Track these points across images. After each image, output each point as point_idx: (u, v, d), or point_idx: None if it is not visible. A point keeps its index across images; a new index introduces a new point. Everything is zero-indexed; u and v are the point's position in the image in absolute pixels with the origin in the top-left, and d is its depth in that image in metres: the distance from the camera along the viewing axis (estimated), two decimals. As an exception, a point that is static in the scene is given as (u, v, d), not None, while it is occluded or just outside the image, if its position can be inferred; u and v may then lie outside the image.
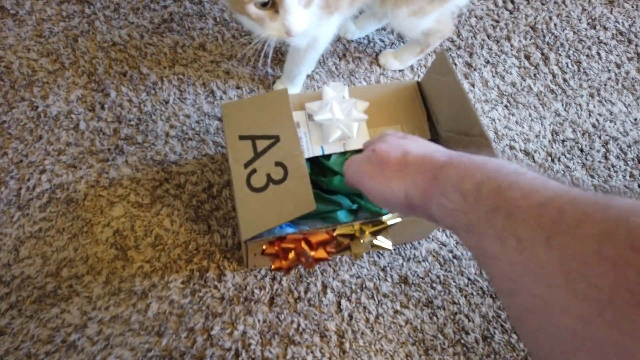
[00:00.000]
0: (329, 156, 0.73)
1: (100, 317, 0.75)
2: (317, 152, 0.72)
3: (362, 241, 0.59)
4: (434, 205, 0.38)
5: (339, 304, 0.80)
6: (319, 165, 0.74)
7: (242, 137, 0.68)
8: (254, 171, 0.66)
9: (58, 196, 0.81)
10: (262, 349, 0.76)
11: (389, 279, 0.83)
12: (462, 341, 0.80)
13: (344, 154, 0.73)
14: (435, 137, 0.75)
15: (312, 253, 0.57)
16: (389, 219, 0.61)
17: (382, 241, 0.61)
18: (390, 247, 0.63)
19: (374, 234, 0.60)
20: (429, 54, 1.04)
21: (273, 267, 0.60)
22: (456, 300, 0.83)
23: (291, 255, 0.57)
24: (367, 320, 0.80)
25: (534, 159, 0.97)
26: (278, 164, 0.65)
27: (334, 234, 0.59)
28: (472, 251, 0.35)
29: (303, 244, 0.56)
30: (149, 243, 0.80)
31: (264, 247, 0.59)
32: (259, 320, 0.77)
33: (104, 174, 0.84)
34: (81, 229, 0.80)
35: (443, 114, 0.73)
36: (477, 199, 0.33)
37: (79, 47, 0.94)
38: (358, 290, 0.82)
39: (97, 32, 0.96)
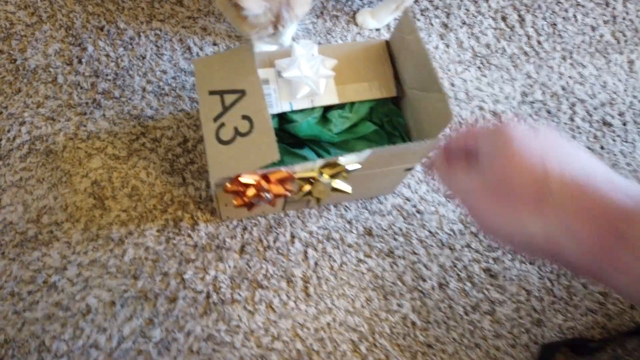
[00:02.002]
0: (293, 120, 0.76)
1: (79, 260, 0.79)
2: (286, 108, 0.75)
3: (321, 182, 0.63)
4: (618, 272, 0.27)
5: (305, 252, 0.85)
6: (287, 121, 0.77)
7: (211, 92, 0.71)
8: (222, 125, 0.69)
9: (37, 147, 0.85)
10: (231, 292, 0.81)
11: (354, 231, 0.88)
12: (420, 288, 0.86)
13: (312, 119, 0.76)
14: (400, 95, 0.78)
15: (271, 188, 0.61)
16: (347, 163, 0.65)
17: (341, 185, 0.66)
18: (349, 191, 0.67)
19: (333, 177, 0.64)
20: (405, 14, 1.05)
21: (236, 204, 0.64)
22: (416, 251, 0.88)
23: (250, 191, 0.61)
24: (332, 267, 0.85)
25: (501, 120, 1.00)
26: (244, 117, 0.68)
27: (294, 176, 0.63)
28: None
29: (262, 181, 0.60)
30: (126, 193, 0.84)
31: (227, 184, 0.63)
32: (229, 266, 0.82)
33: (82, 127, 0.87)
34: (60, 179, 0.83)
35: (407, 71, 0.75)
36: None
37: (56, 0, 0.95)
38: (324, 241, 0.87)
39: (74, -15, 0.97)
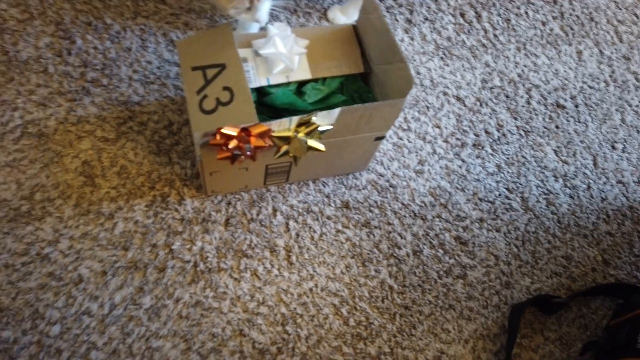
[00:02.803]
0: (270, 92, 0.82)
1: (71, 234, 0.83)
2: (263, 83, 0.82)
3: (297, 139, 0.69)
4: None
5: (287, 224, 0.90)
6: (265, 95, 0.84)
7: (194, 68, 0.77)
8: (205, 97, 0.75)
9: (30, 131, 0.89)
10: (218, 261, 0.85)
11: (332, 204, 0.94)
12: (395, 255, 0.91)
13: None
14: (368, 71, 0.86)
15: (251, 140, 0.67)
16: (320, 122, 0.71)
17: (315, 144, 0.72)
18: (323, 149, 0.74)
19: (307, 135, 0.70)
20: (372, 11, 1.14)
21: (219, 157, 0.70)
22: (391, 221, 0.94)
23: (232, 143, 0.67)
24: (312, 238, 0.90)
25: (464, 103, 1.09)
26: (225, 88, 0.74)
27: (272, 134, 0.69)
28: None
29: (242, 133, 0.66)
30: (115, 172, 0.89)
31: (210, 139, 0.68)
32: (215, 238, 0.87)
33: (72, 112, 0.92)
34: (52, 159, 0.88)
35: (373, 49, 0.83)
36: None
37: (46, -1, 1.02)
38: (304, 213, 0.92)
39: (63, -14, 1.03)
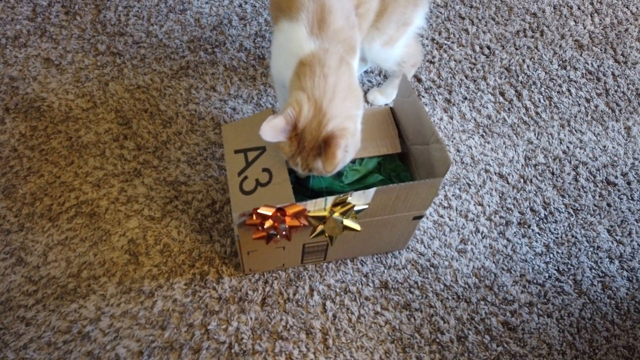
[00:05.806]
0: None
1: (112, 312, 0.85)
2: (301, 165, 0.84)
3: (332, 219, 0.69)
4: None
5: (324, 305, 0.89)
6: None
7: (236, 151, 0.81)
8: (245, 178, 0.78)
9: (83, 210, 0.95)
10: (253, 343, 0.84)
11: (371, 284, 0.91)
12: (438, 340, 0.86)
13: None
14: (405, 151, 0.86)
15: (286, 220, 0.68)
16: (355, 202, 0.71)
17: (351, 223, 0.72)
18: (359, 228, 0.73)
19: (343, 214, 0.70)
20: (411, 92, 1.17)
21: (254, 236, 0.71)
22: (432, 304, 0.90)
23: (267, 222, 0.68)
24: (350, 320, 0.88)
25: (507, 181, 1.07)
26: (265, 169, 0.77)
27: (307, 214, 0.70)
28: None
29: (278, 214, 0.67)
30: (158, 250, 0.92)
31: (247, 219, 0.70)
32: (251, 318, 0.86)
33: (123, 192, 0.98)
34: (101, 238, 0.92)
35: (409, 130, 0.85)
36: None
37: (109, 90, 1.12)
38: (342, 293, 0.90)
39: (125, 78, 1.14)
